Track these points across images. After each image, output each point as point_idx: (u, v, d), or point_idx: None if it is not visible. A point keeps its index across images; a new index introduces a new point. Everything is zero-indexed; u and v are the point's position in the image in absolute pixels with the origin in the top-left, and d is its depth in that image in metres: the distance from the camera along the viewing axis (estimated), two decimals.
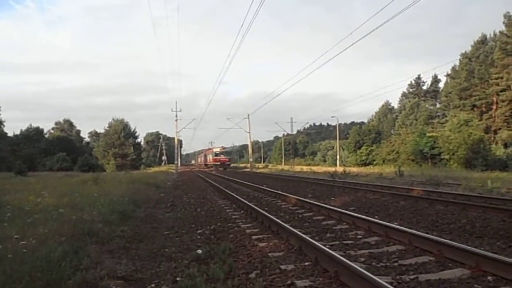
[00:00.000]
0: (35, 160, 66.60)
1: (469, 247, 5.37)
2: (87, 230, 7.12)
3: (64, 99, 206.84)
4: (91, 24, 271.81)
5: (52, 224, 7.27)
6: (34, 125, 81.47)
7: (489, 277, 4.52)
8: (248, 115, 65.94)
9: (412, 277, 4.62)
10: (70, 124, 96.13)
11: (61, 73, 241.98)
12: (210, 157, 68.37)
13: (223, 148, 70.37)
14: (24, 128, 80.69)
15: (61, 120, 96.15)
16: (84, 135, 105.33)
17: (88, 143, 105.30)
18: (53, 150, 69.71)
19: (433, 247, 5.68)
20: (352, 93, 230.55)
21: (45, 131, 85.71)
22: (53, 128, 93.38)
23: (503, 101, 53.86)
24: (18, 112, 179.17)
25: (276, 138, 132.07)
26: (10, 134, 74.09)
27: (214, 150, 68.66)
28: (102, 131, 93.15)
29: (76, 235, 6.68)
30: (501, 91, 53.68)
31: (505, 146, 46.73)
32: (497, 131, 54.46)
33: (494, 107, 56.21)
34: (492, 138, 51.64)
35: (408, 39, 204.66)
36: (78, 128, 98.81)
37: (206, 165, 68.70)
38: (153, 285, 4.81)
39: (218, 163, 63.01)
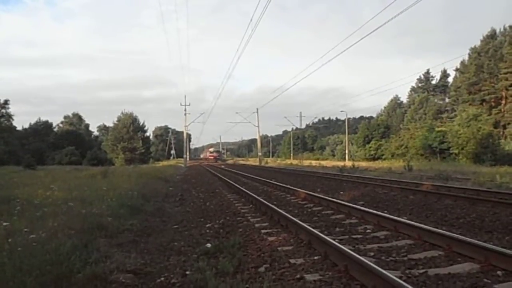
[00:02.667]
0: (44, 154, 67.21)
1: (478, 242, 5.34)
2: (96, 224, 7.16)
3: (71, 93, 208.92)
4: (99, 18, 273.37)
5: (61, 217, 7.33)
6: (41, 119, 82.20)
7: (498, 272, 4.49)
8: (257, 109, 66.11)
9: (421, 271, 4.60)
10: (79, 118, 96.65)
11: (68, 67, 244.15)
12: (208, 154, 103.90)
13: (215, 148, 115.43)
14: (32, 122, 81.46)
15: (70, 114, 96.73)
16: (93, 129, 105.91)
17: (97, 137, 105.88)
18: (62, 144, 70.30)
19: (443, 241, 5.65)
20: (360, 86, 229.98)
21: (53, 125, 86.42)
22: (62, 122, 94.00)
23: None
24: (24, 106, 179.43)
25: (285, 132, 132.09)
26: (18, 128, 74.84)
27: (210, 149, 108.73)
28: (111, 125, 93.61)
29: (86, 229, 6.72)
30: (510, 86, 53.31)
31: None
32: (506, 126, 54.08)
33: (503, 101, 55.77)
34: (501, 133, 51.22)
35: (416, 34, 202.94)
36: (86, 122, 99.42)
37: (216, 159, 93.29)
38: (162, 278, 4.81)
39: (212, 157, 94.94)
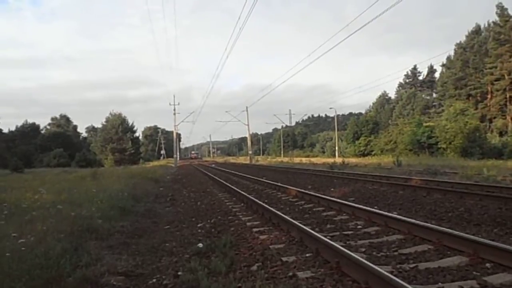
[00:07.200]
0: (32, 156, 66.33)
1: (467, 235, 5.39)
2: (86, 226, 7.11)
3: (56, 95, 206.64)
4: (82, 18, 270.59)
5: (50, 221, 7.24)
6: (28, 121, 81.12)
7: (487, 264, 4.55)
8: (247, 108, 66.26)
9: (412, 265, 4.65)
10: (67, 119, 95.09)
11: (52, 68, 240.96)
12: (191, 154, 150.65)
13: (195, 151, 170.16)
14: (18, 124, 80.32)
15: (58, 116, 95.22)
16: (80, 130, 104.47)
17: (85, 138, 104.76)
18: (49, 146, 69.34)
19: (432, 235, 5.69)
20: (347, 83, 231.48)
21: (41, 127, 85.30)
22: (49, 124, 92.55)
23: (497, 90, 54.36)
24: (7, 108, 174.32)
25: (275, 130, 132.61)
26: (5, 130, 73.69)
27: (192, 152, 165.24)
28: (99, 126, 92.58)
29: (75, 232, 6.66)
30: (495, 80, 54.07)
31: (500, 134, 47.02)
32: (492, 120, 54.90)
33: (489, 96, 56.58)
34: (488, 127, 51.94)
35: (402, 30, 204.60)
36: (74, 123, 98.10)
37: (196, 158, 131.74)
38: (154, 280, 4.79)
39: (193, 157, 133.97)
